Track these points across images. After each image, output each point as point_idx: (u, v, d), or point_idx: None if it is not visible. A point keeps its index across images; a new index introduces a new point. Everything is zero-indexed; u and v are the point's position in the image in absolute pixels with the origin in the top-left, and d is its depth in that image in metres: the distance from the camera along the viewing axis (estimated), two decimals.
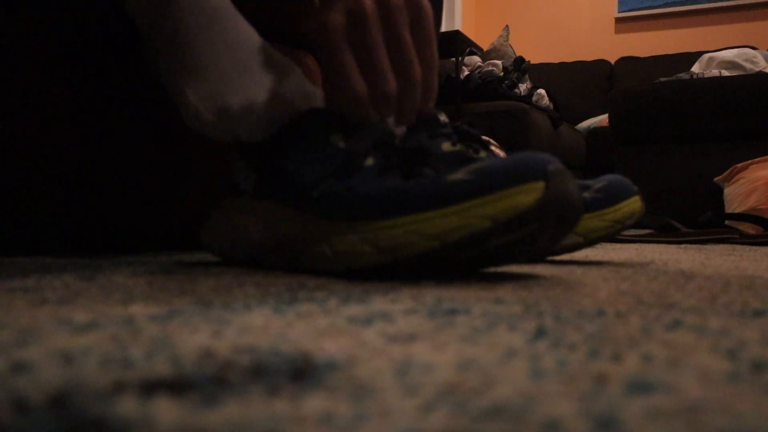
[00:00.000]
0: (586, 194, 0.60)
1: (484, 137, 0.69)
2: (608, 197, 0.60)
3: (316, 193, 0.45)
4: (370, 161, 0.46)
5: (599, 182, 0.61)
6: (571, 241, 0.59)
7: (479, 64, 2.37)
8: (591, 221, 0.59)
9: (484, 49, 2.60)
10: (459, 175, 0.40)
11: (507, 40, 2.60)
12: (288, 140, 0.49)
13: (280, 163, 0.49)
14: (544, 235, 0.40)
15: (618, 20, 3.63)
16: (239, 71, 0.48)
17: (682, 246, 1.02)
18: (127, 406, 0.15)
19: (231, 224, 0.52)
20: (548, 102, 2.44)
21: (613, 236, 0.61)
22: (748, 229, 1.34)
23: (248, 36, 0.49)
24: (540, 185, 0.38)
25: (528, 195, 0.38)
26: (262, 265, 0.50)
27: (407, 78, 0.47)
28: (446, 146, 0.49)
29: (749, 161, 1.67)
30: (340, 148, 0.47)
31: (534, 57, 3.48)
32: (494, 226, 0.38)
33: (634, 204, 0.60)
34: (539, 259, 0.64)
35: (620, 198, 0.60)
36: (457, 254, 0.40)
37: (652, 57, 3.21)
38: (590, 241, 0.60)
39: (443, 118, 0.52)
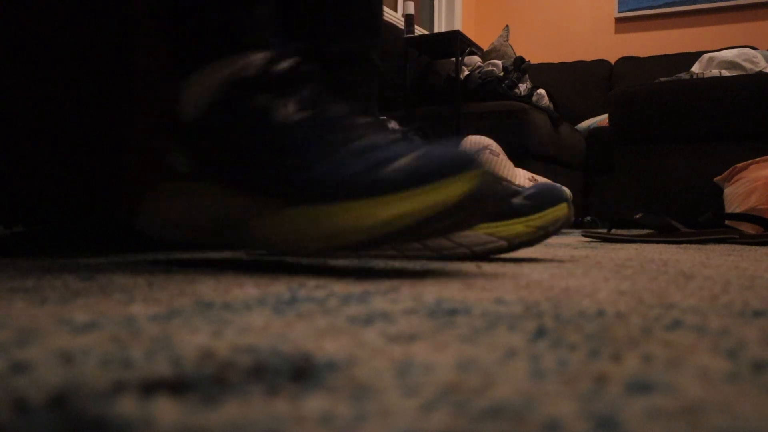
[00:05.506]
0: (516, 200, 0.63)
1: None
2: (535, 204, 0.62)
3: (257, 173, 0.45)
4: (296, 114, 0.46)
5: (530, 189, 0.64)
6: (495, 245, 0.62)
7: (479, 64, 2.36)
8: (516, 227, 0.62)
9: (484, 49, 2.60)
10: (406, 160, 0.42)
11: (507, 40, 2.60)
12: (223, 116, 0.48)
13: (217, 143, 0.48)
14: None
15: (618, 20, 3.62)
16: None
17: (682, 246, 1.02)
18: (127, 406, 0.15)
19: (171, 209, 0.50)
20: (548, 102, 2.43)
21: (537, 241, 0.63)
22: (748, 229, 1.34)
23: None
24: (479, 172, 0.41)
25: (471, 182, 0.41)
26: (207, 247, 0.50)
27: None
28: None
29: (749, 161, 1.67)
30: (268, 108, 0.46)
31: (534, 57, 3.48)
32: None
33: (559, 211, 0.62)
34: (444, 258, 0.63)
35: (546, 205, 0.62)
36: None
37: (652, 57, 3.21)
38: (513, 246, 0.62)
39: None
